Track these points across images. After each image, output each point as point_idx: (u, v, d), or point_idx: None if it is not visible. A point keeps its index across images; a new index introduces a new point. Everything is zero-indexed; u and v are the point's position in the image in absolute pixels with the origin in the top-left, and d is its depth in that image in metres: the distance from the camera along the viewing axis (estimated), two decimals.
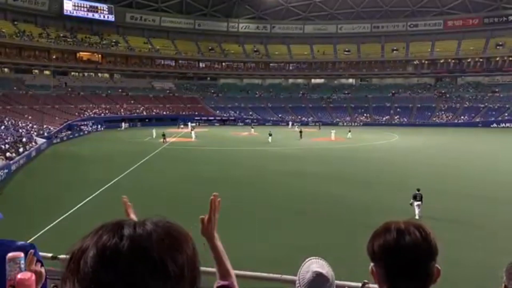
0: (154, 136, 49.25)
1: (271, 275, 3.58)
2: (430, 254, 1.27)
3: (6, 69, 72.00)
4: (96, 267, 0.76)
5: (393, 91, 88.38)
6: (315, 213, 17.41)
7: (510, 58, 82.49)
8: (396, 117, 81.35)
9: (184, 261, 0.82)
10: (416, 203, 16.48)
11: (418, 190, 16.69)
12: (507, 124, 71.12)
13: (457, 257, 11.31)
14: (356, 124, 77.88)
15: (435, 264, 1.29)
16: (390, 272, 1.27)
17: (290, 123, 74.50)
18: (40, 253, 1.98)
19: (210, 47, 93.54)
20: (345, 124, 74.58)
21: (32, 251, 1.81)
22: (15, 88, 66.37)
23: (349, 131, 52.87)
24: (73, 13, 79.89)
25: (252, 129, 60.97)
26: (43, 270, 1.82)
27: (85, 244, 0.80)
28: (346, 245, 12.93)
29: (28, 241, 2.15)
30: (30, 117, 54.00)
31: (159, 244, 0.80)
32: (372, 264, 1.33)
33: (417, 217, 16.12)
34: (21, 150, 33.55)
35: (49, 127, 51.38)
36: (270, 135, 47.14)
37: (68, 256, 0.82)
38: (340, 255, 12.09)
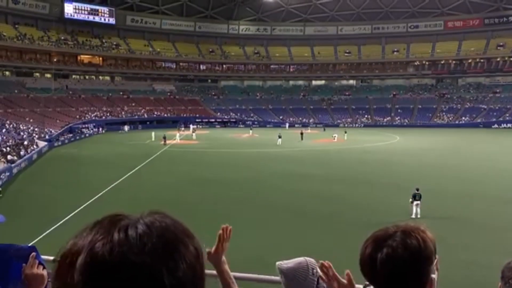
0: (153, 139, 49.11)
1: (272, 277, 3.58)
2: (414, 269, 1.15)
3: (7, 72, 72.09)
4: (86, 278, 0.71)
5: (394, 92, 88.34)
6: (316, 214, 17.41)
7: (511, 59, 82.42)
8: (397, 118, 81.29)
9: (184, 269, 0.74)
10: (415, 202, 16.49)
11: (417, 189, 16.70)
12: (508, 125, 70.99)
13: (458, 258, 11.30)
14: (357, 125, 77.89)
15: (429, 274, 1.17)
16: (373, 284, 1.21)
17: (287, 124, 74.67)
18: (42, 256, 1.98)
19: (210, 49, 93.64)
20: (346, 125, 74.58)
21: (34, 254, 1.81)
22: (16, 91, 66.42)
23: (345, 132, 53.19)
24: (74, 16, 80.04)
25: (251, 131, 61.00)
26: (45, 272, 1.82)
27: (78, 245, 0.75)
28: (347, 245, 12.92)
29: (30, 244, 2.16)
30: (31, 120, 54.05)
31: (154, 255, 0.72)
32: None
33: (413, 216, 16.16)
34: (22, 153, 33.61)
35: (50, 130, 51.44)
36: (280, 137, 46.25)
37: (58, 257, 0.77)
38: (342, 256, 12.09)
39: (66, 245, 0.76)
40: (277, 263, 1.93)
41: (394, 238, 1.17)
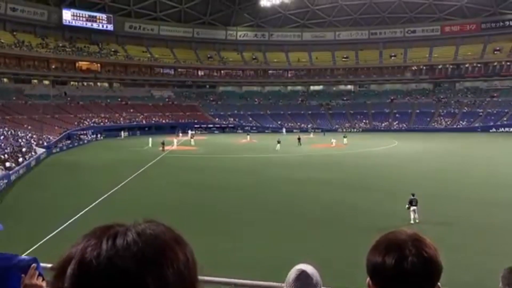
0: (150, 145, 49.02)
1: (271, 283, 3.58)
2: (433, 279, 1.18)
3: (5, 79, 72.06)
4: (73, 284, 0.73)
5: (392, 97, 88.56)
6: (316, 218, 17.40)
7: (508, 63, 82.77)
8: (395, 123, 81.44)
9: (171, 276, 0.74)
10: (412, 208, 16.48)
11: (413, 195, 16.66)
12: (506, 129, 71.20)
13: (457, 260, 11.28)
14: (355, 130, 77.98)
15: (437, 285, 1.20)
16: None
17: (284, 129, 74.75)
18: (42, 264, 1.98)
19: (208, 55, 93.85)
20: (344, 130, 74.70)
21: (34, 265, 1.82)
22: (14, 98, 66.40)
23: (344, 137, 53.27)
24: (72, 23, 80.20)
25: (248, 136, 61.08)
26: (44, 284, 1.82)
27: (71, 253, 0.77)
28: (347, 248, 12.92)
29: (28, 251, 2.16)
30: (29, 127, 53.98)
31: (140, 260, 0.73)
32: (368, 278, 1.26)
33: (412, 221, 16.16)
34: (20, 160, 33.52)
35: (49, 136, 51.36)
36: (279, 142, 46.08)
37: (55, 265, 0.79)
38: (341, 258, 12.08)
39: (63, 254, 0.78)
40: (300, 266, 2.01)
41: (408, 247, 1.18)
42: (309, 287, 1.95)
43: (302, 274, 1.97)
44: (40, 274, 1.83)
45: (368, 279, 1.27)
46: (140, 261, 0.73)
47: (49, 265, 3.84)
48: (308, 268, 2.01)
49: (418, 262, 1.15)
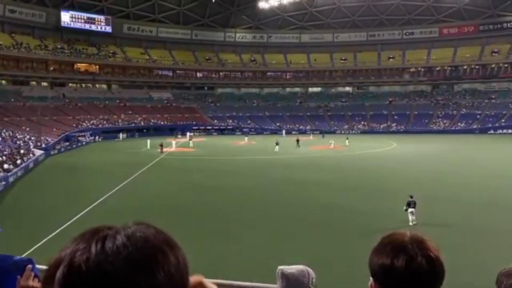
0: (148, 147, 49.03)
1: (269, 285, 3.57)
2: (439, 278, 1.19)
3: (3, 81, 71.94)
4: None
5: (390, 99, 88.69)
6: (315, 219, 17.39)
7: (506, 65, 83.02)
8: (393, 125, 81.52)
9: (161, 279, 0.73)
10: (410, 209, 16.51)
11: (411, 197, 16.68)
12: (504, 130, 71.37)
13: (457, 260, 11.28)
14: (354, 132, 78.04)
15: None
16: None
17: (284, 131, 74.77)
18: (38, 266, 1.97)
19: (207, 57, 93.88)
20: (343, 132, 74.72)
21: (30, 266, 1.80)
22: (12, 100, 66.30)
23: (347, 139, 53.29)
24: (70, 24, 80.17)
25: (246, 138, 61.11)
26: (39, 285, 1.81)
27: (61, 257, 0.75)
28: (346, 251, 12.92)
29: (27, 253, 2.15)
30: (27, 129, 53.92)
31: (130, 264, 0.71)
32: (371, 279, 1.24)
33: (411, 223, 16.18)
34: (18, 161, 33.46)
35: (47, 138, 51.26)
36: (277, 144, 46.09)
37: (46, 267, 0.78)
38: (341, 259, 12.08)
39: (52, 257, 0.77)
40: (280, 267, 1.99)
41: (414, 249, 1.18)
42: (301, 286, 1.94)
43: (291, 275, 1.96)
44: (36, 276, 1.81)
45: (371, 281, 1.25)
46: (130, 265, 0.71)
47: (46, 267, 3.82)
48: (298, 268, 1.99)
49: (426, 263, 1.16)
